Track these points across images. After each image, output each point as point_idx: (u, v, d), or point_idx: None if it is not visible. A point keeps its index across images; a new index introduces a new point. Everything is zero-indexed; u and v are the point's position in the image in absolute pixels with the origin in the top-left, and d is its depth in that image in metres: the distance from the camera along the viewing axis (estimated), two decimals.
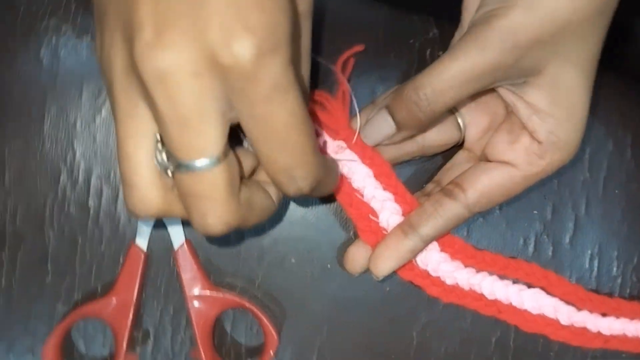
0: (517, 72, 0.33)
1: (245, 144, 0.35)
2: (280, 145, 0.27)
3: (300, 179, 0.28)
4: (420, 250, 0.39)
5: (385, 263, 0.38)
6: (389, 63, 0.43)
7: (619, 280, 0.44)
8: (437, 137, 0.40)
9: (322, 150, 0.39)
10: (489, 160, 0.38)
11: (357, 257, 0.40)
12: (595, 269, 0.44)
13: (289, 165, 0.28)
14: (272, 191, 0.33)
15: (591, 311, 0.42)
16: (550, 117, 0.35)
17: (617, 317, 0.42)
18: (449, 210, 0.38)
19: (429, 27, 0.44)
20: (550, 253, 0.44)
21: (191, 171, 0.27)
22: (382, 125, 0.37)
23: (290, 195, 0.30)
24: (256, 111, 0.26)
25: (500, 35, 0.32)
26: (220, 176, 0.27)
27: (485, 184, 0.37)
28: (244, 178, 0.31)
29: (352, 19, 0.44)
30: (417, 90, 0.34)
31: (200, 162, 0.26)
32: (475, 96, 0.39)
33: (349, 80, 0.40)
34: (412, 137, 0.38)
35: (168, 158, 0.28)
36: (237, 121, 0.27)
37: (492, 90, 0.37)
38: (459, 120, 0.40)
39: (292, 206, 0.43)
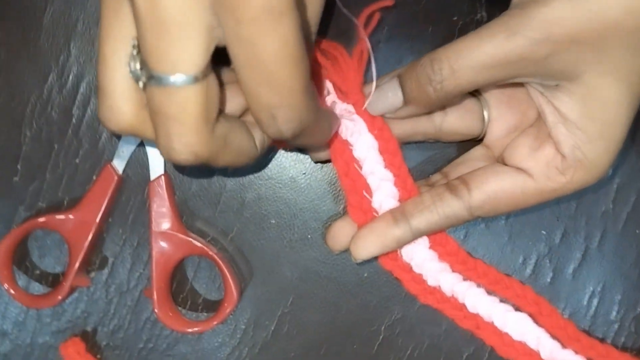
0: (549, 71, 0.30)
1: None
2: (265, 78, 0.24)
3: (282, 120, 0.25)
4: (408, 242, 0.36)
5: (366, 246, 0.35)
6: (424, 36, 0.39)
7: (616, 326, 0.40)
8: (457, 122, 0.36)
9: (322, 102, 0.36)
10: (505, 164, 0.34)
11: (340, 233, 0.37)
12: (594, 308, 0.40)
13: (272, 102, 0.25)
14: (258, 136, 0.30)
15: (576, 352, 0.39)
16: (578, 131, 0.31)
17: None
18: (448, 207, 0.34)
19: (478, 8, 0.40)
20: (548, 279, 0.40)
21: (163, 86, 0.24)
22: (389, 95, 0.33)
23: (269, 136, 0.27)
24: (242, 32, 0.23)
25: (534, 23, 0.28)
26: (194, 98, 0.25)
27: (493, 188, 0.34)
28: (224, 112, 0.28)
29: None
30: (432, 63, 0.30)
31: (174, 78, 0.24)
32: (507, 91, 0.36)
33: (373, 41, 0.36)
34: (420, 115, 0.35)
35: (141, 67, 0.25)
36: (224, 43, 0.24)
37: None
38: (485, 112, 0.36)
39: (284, 165, 0.40)
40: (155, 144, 0.27)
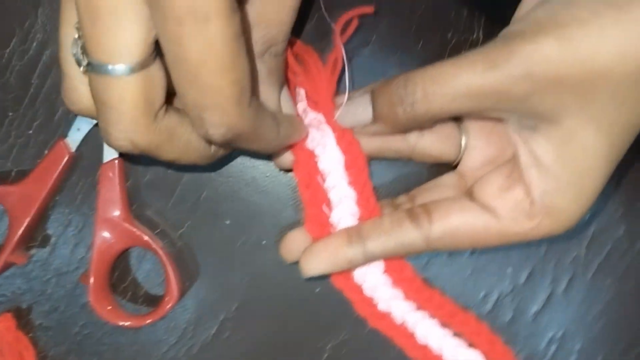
0: (527, 110, 0.28)
1: None
2: (190, 79, 0.23)
3: (210, 124, 0.25)
4: (360, 264, 0.34)
5: (316, 263, 0.33)
6: (414, 50, 0.37)
7: None
8: (433, 145, 0.34)
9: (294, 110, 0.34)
10: (473, 197, 0.33)
11: (295, 244, 0.35)
12: (550, 354, 0.39)
13: (198, 104, 0.24)
14: None
15: None
16: (551, 176, 0.29)
17: None
18: (406, 236, 0.32)
19: (474, 27, 0.38)
20: (507, 319, 0.39)
21: (101, 74, 0.24)
22: (359, 110, 0.32)
23: (200, 136, 0.26)
24: (168, 30, 0.22)
25: (516, 59, 0.26)
26: (132, 88, 0.24)
27: (456, 223, 0.32)
28: (172, 105, 0.27)
29: None
30: (407, 84, 0.29)
31: (112, 67, 0.24)
32: (490, 122, 0.34)
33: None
34: (388, 135, 0.33)
35: (82, 52, 0.25)
36: None
37: None
38: (463, 139, 0.35)
39: (247, 164, 0.38)
40: None
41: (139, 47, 0.24)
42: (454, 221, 0.32)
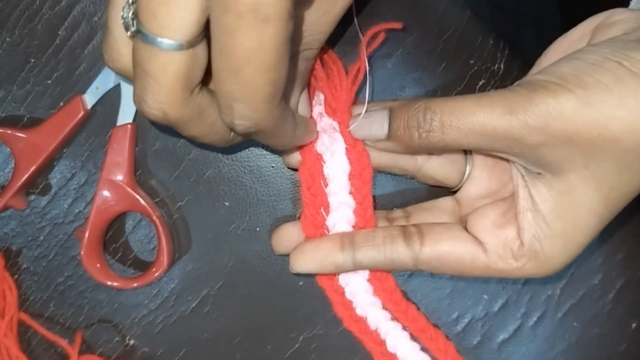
0: (536, 159, 0.29)
1: None
2: (232, 70, 0.24)
3: (237, 114, 0.25)
4: (347, 271, 0.36)
5: (305, 262, 0.35)
6: (435, 70, 0.38)
7: None
8: (438, 169, 0.36)
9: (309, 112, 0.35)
10: (466, 227, 0.34)
11: (287, 238, 0.36)
12: None
13: (233, 93, 0.25)
14: None
15: None
16: (544, 224, 0.30)
17: None
18: (396, 253, 0.34)
19: (497, 57, 0.38)
20: (474, 342, 0.40)
21: (148, 43, 0.24)
22: (375, 125, 0.32)
23: (224, 123, 0.27)
24: (225, 20, 0.23)
25: (535, 109, 0.27)
26: (176, 64, 0.25)
27: (445, 250, 0.33)
28: (206, 85, 0.28)
29: (432, 5, 0.38)
30: (426, 112, 0.30)
31: (161, 39, 0.24)
32: (497, 158, 0.35)
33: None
34: (397, 154, 0.34)
35: (133, 18, 0.25)
36: None
37: None
38: (467, 168, 0.36)
39: (255, 152, 0.39)
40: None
41: (191, 27, 0.24)
42: (445, 248, 0.33)
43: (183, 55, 0.25)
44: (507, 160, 0.33)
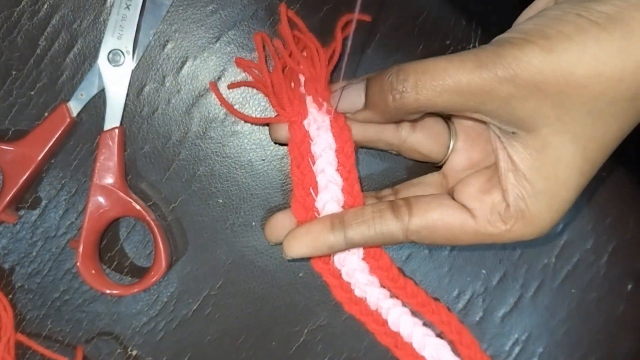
0: (508, 115, 0.30)
1: None
2: None
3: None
4: (340, 250, 0.36)
5: (298, 246, 0.35)
6: (413, 52, 0.39)
7: None
8: (422, 142, 0.36)
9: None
10: (453, 197, 0.34)
11: (278, 226, 0.36)
12: (514, 355, 0.41)
13: None
14: None
15: None
16: (526, 182, 0.31)
17: None
18: (386, 226, 0.34)
19: (471, 36, 0.40)
20: (477, 318, 0.40)
21: None
22: (352, 96, 0.33)
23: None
24: None
25: (503, 61, 0.28)
26: None
27: (434, 218, 0.33)
28: None
29: None
30: (399, 73, 0.30)
31: None
32: (478, 128, 0.36)
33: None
34: (376, 123, 0.35)
35: None
36: None
37: None
38: (451, 141, 0.36)
39: (245, 146, 0.39)
40: None
41: None
42: (433, 216, 0.33)
43: None
44: (485, 125, 0.34)
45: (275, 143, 0.39)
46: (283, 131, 0.36)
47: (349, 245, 0.35)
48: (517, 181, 0.31)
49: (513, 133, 0.31)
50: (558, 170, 0.30)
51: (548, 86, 0.28)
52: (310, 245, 0.34)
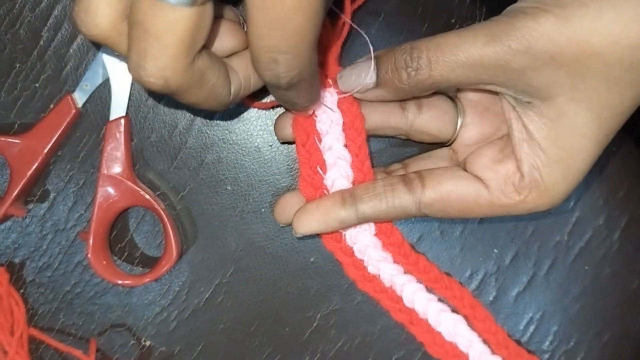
0: (523, 86, 0.29)
1: (241, 19, 0.31)
2: (279, 21, 0.23)
3: (283, 67, 0.25)
4: (352, 225, 0.35)
5: (308, 222, 0.34)
6: (418, 31, 0.39)
7: (546, 357, 0.40)
8: (430, 122, 0.36)
9: None
10: (465, 170, 0.34)
11: (288, 206, 0.36)
12: (529, 334, 0.40)
13: (280, 46, 0.24)
14: (235, 83, 0.29)
15: (504, 359, 0.39)
16: (540, 152, 0.31)
17: None
18: (398, 199, 0.33)
19: (476, 14, 0.39)
20: (490, 298, 0.40)
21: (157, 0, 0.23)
22: (363, 74, 0.32)
23: (265, 80, 0.26)
24: None
25: (516, 33, 0.28)
26: (184, 21, 0.23)
27: (447, 189, 0.33)
28: (209, 48, 0.27)
29: None
30: (412, 50, 0.30)
31: None
32: (485, 102, 0.36)
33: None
34: (387, 101, 0.34)
35: None
36: None
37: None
38: (459, 118, 0.36)
39: (251, 133, 0.39)
40: (126, 60, 0.25)
41: None
42: (447, 188, 0.33)
43: (193, 12, 0.23)
44: (499, 101, 0.34)
45: (284, 143, 0.38)
46: (288, 129, 0.35)
47: (361, 220, 0.34)
48: (532, 151, 0.31)
49: (528, 102, 0.30)
50: (573, 140, 0.30)
51: (563, 56, 0.28)
52: (320, 220, 0.34)
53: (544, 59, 0.28)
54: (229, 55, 0.30)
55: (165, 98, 0.38)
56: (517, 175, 0.32)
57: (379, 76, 0.32)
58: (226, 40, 0.29)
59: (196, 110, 0.38)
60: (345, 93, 0.34)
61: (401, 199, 0.33)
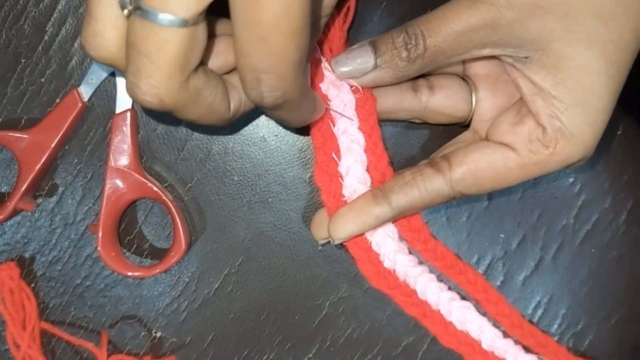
0: (516, 41, 0.30)
1: None
2: (259, 40, 0.23)
3: (266, 86, 0.25)
4: (389, 220, 0.35)
5: (344, 225, 0.34)
6: None
7: (555, 340, 0.40)
8: (444, 102, 0.36)
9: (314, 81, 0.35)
10: (488, 140, 0.34)
11: (324, 220, 0.35)
12: (537, 318, 0.41)
13: (261, 66, 0.24)
14: (235, 99, 0.29)
15: (517, 341, 0.39)
16: (553, 99, 0.31)
17: (540, 356, 0.39)
18: (429, 183, 0.33)
19: None
20: (498, 283, 0.40)
21: (148, 20, 0.23)
22: (360, 58, 0.33)
23: (250, 99, 0.26)
24: None
25: None
26: (176, 42, 0.24)
27: (475, 161, 0.33)
28: (206, 65, 0.27)
29: None
30: (407, 30, 0.31)
31: (162, 15, 0.23)
32: (494, 73, 0.36)
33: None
34: (386, 84, 0.34)
35: None
36: None
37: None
38: (472, 95, 0.36)
39: (257, 123, 0.39)
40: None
41: (198, 1, 0.23)
42: (474, 159, 0.33)
43: (185, 33, 0.24)
44: (497, 58, 0.33)
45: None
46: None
47: (396, 212, 0.34)
48: (546, 101, 0.31)
49: (526, 57, 0.30)
50: (582, 79, 0.30)
51: (546, 1, 0.28)
52: (356, 220, 0.34)
53: (529, 8, 0.28)
54: (229, 72, 0.30)
55: None
56: (539, 129, 0.31)
57: (379, 57, 0.32)
58: (225, 56, 0.29)
59: None
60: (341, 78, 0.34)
61: (432, 181, 0.33)
